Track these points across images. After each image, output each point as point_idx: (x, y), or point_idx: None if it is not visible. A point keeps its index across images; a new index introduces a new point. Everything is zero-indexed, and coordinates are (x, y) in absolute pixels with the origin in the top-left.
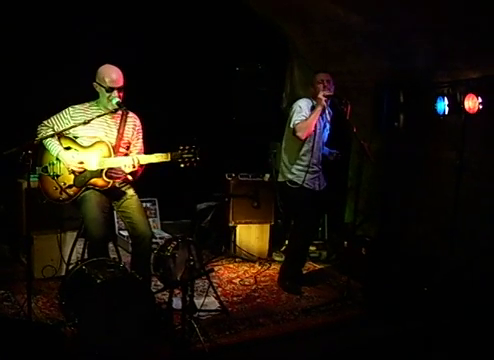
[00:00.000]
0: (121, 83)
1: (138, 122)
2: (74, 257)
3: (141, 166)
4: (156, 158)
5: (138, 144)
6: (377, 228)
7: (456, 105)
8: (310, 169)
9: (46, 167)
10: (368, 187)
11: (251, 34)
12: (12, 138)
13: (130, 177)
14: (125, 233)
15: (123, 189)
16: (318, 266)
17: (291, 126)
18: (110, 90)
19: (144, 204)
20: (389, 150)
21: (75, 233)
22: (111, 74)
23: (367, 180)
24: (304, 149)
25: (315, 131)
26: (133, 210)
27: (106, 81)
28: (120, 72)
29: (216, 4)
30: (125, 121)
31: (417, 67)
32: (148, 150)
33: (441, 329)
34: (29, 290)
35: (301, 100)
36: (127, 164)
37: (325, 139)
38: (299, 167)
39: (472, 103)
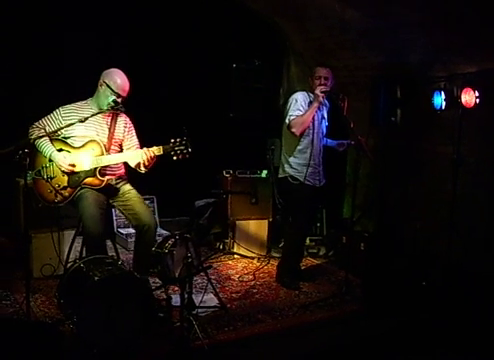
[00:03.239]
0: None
1: (128, 120)
2: (73, 255)
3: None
4: None
5: (133, 140)
6: (375, 223)
7: (453, 99)
8: (311, 162)
9: (39, 170)
10: (366, 182)
11: (248, 31)
12: (9, 138)
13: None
14: (123, 231)
15: (119, 186)
16: (316, 262)
17: (286, 121)
18: (117, 96)
19: None
20: (386, 145)
21: (73, 231)
22: (124, 83)
23: (365, 175)
24: (304, 143)
25: (313, 125)
26: (135, 202)
27: (118, 88)
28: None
29: (213, 0)
30: (116, 120)
31: (413, 61)
32: (144, 147)
33: (440, 323)
34: (28, 289)
35: (298, 93)
36: (145, 158)
37: (324, 131)
38: (300, 161)
39: (469, 97)
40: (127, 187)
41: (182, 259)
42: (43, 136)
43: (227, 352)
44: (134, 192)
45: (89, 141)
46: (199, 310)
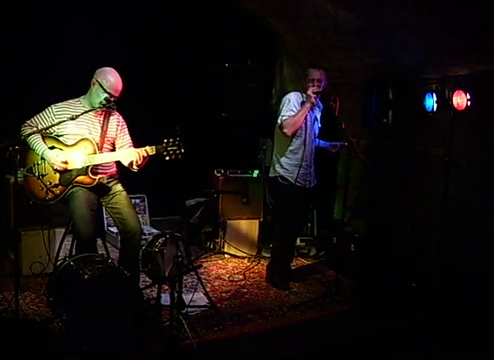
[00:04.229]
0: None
1: (121, 118)
2: (62, 253)
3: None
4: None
5: (126, 138)
6: (366, 224)
7: (445, 101)
8: (303, 163)
9: (31, 168)
10: (357, 183)
11: (241, 30)
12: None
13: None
14: (114, 229)
15: (110, 185)
16: (307, 262)
17: (279, 121)
18: (109, 96)
19: (133, 200)
20: (378, 146)
21: (63, 229)
22: (117, 83)
23: (356, 176)
24: (296, 144)
25: (306, 125)
26: (123, 206)
27: (110, 88)
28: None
29: (206, 0)
30: (108, 119)
31: (406, 63)
32: (136, 146)
33: (430, 325)
34: (17, 286)
35: (291, 93)
36: (137, 157)
37: (316, 133)
38: (291, 162)
39: (460, 99)
40: (118, 187)
41: (172, 258)
42: (35, 133)
43: (216, 352)
44: (124, 194)
45: (82, 139)
46: (189, 309)
